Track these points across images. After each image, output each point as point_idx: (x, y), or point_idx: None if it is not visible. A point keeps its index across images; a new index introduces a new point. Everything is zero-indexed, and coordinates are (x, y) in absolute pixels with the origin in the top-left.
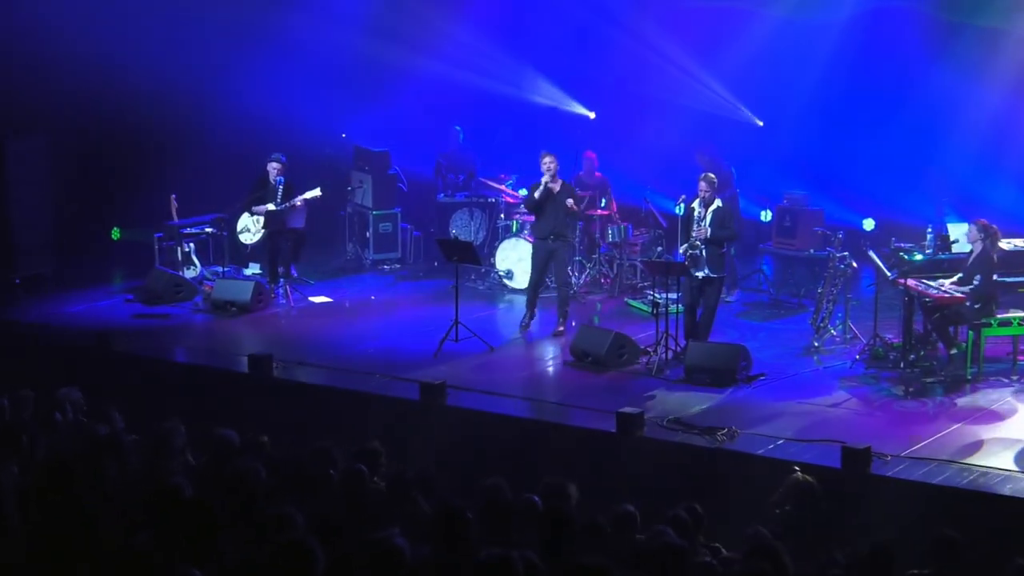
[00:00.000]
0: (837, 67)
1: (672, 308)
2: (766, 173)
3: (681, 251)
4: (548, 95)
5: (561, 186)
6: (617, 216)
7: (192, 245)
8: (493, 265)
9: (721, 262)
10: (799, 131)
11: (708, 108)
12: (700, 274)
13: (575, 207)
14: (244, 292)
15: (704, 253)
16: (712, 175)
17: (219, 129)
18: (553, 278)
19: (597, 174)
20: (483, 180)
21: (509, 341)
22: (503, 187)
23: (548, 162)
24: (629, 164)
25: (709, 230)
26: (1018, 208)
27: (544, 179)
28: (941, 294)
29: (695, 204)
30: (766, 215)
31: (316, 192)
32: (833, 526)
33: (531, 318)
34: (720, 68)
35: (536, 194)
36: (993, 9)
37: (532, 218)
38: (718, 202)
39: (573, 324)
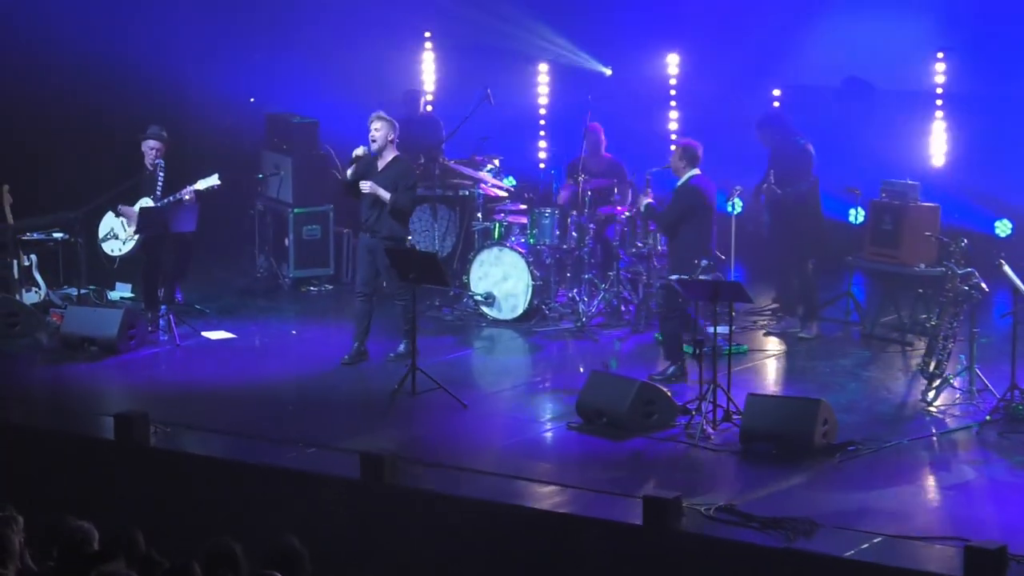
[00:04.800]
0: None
1: (724, 349)
2: (857, 153)
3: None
4: (549, 43)
5: (389, 163)
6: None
7: (34, 258)
8: (466, 286)
9: (679, 258)
10: (903, 95)
11: (772, 62)
12: None
13: (375, 193)
14: (109, 324)
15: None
16: (692, 146)
17: (73, 92)
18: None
19: (606, 155)
20: (453, 164)
21: (489, 395)
22: (482, 174)
23: (375, 128)
24: (660, 142)
25: (645, 201)
26: None
27: (356, 151)
28: None
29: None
30: (856, 214)
31: (212, 181)
32: None
33: (357, 350)
34: (789, 2)
35: (349, 172)
36: None
37: (522, 219)
38: (685, 178)
39: (581, 370)
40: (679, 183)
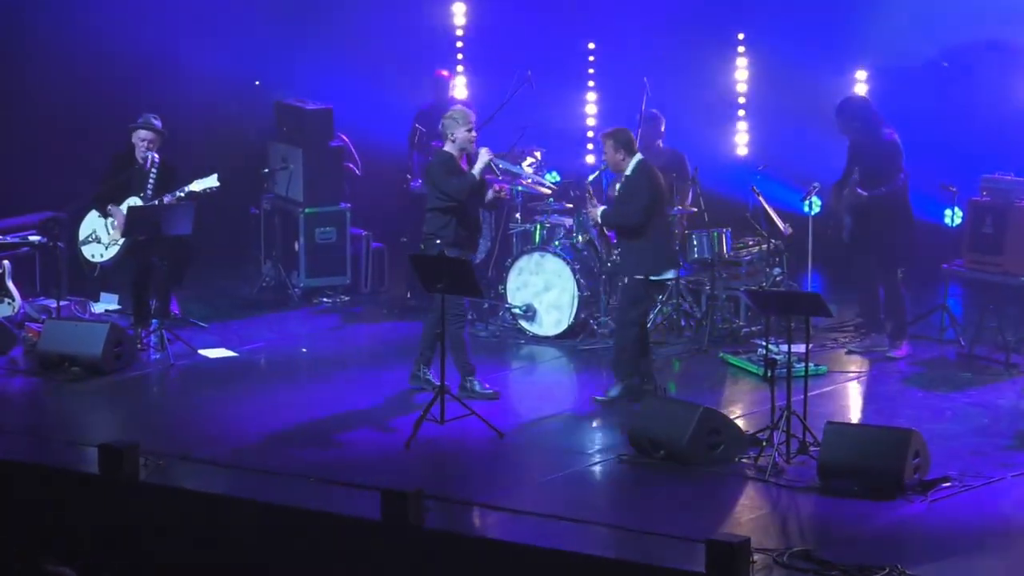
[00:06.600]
0: None
1: (798, 369)
2: (953, 145)
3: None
4: (598, 19)
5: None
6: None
7: (7, 264)
8: (503, 297)
9: (638, 256)
10: (1008, 75)
11: (852, 40)
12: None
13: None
14: (93, 341)
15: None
16: (622, 131)
17: (53, 76)
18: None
19: (664, 146)
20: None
21: (529, 422)
22: (521, 169)
23: (472, 119)
24: (725, 131)
25: (598, 211)
26: None
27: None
28: None
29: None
30: (953, 216)
31: (210, 182)
32: None
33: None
34: None
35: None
36: None
37: (567, 220)
38: (632, 165)
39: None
40: (629, 172)
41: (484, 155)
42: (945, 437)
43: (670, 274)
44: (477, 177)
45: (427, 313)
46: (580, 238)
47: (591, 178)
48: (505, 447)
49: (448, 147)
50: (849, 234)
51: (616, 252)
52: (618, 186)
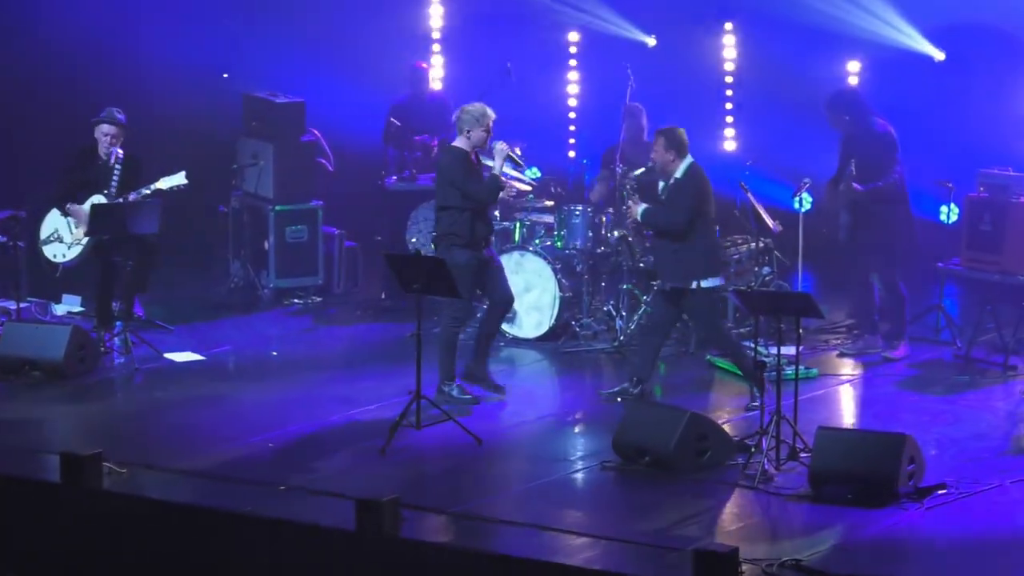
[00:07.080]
0: None
1: (789, 372)
2: (949, 140)
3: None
4: (580, 8)
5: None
6: None
7: None
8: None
9: (687, 264)
10: (1006, 66)
11: (844, 30)
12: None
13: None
14: (54, 344)
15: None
16: (675, 131)
17: (12, 70)
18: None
19: (649, 141)
20: None
21: (508, 428)
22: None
23: (491, 120)
24: (712, 125)
25: (639, 208)
26: None
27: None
28: None
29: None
30: (948, 212)
31: (178, 180)
32: None
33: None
34: None
35: (499, 168)
36: None
37: (548, 218)
38: (683, 168)
39: (619, 399)
40: (679, 175)
41: (502, 150)
42: (941, 442)
43: (717, 281)
44: (500, 175)
45: (441, 323)
46: (615, 232)
47: (637, 173)
48: (484, 454)
49: (460, 143)
50: (847, 232)
51: (645, 254)
52: (661, 185)
